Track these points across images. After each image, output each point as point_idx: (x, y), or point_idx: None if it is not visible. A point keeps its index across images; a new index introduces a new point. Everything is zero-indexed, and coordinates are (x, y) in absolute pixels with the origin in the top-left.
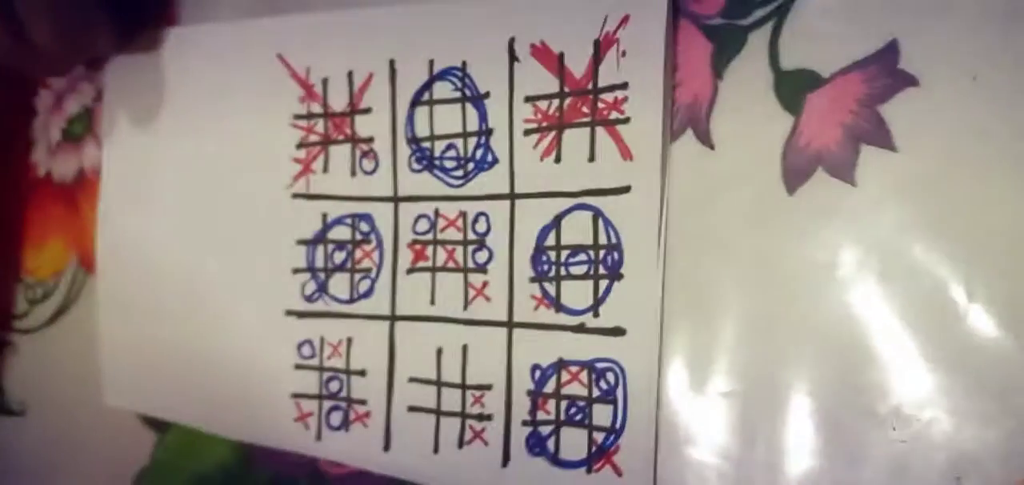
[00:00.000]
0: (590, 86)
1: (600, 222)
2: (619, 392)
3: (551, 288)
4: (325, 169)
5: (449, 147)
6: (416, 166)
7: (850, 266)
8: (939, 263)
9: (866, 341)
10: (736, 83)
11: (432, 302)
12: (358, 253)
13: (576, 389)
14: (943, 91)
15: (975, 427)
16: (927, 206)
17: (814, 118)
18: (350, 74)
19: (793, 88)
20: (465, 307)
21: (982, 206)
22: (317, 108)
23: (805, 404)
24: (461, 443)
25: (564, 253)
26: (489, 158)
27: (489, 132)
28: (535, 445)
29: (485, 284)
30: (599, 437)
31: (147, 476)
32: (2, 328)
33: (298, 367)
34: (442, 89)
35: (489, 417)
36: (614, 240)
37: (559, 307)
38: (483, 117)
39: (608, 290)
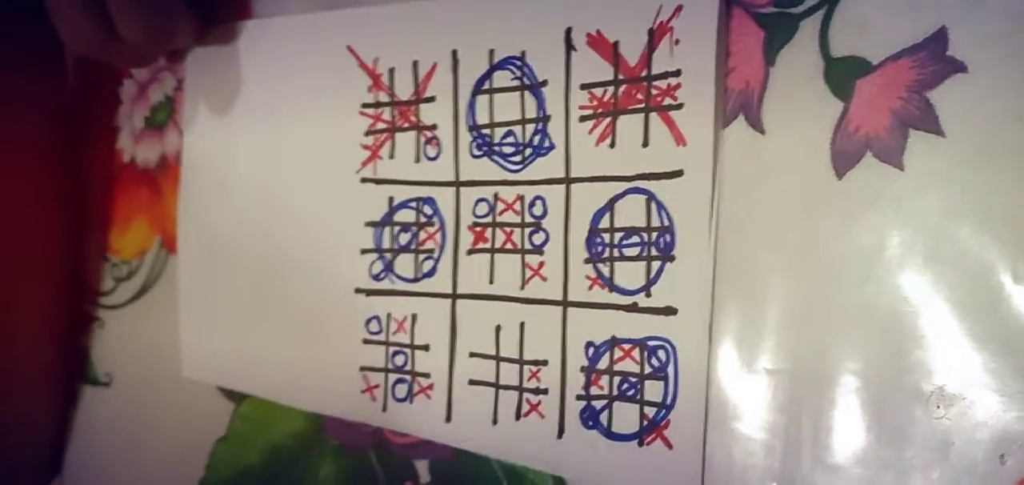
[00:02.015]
0: (644, 74)
1: (653, 205)
2: (670, 369)
3: (605, 269)
4: (391, 155)
5: (508, 134)
6: (476, 152)
7: (897, 248)
8: (985, 246)
9: (911, 322)
10: (787, 70)
11: (491, 281)
12: (422, 235)
13: (628, 366)
14: (991, 77)
15: (1020, 407)
16: (974, 190)
17: (863, 104)
18: (415, 64)
19: (843, 74)
20: (522, 286)
21: None
22: (384, 97)
23: (850, 383)
24: (518, 415)
25: (618, 235)
26: (546, 144)
27: (546, 119)
28: (589, 418)
29: (541, 265)
30: (650, 412)
31: (224, 444)
32: (89, 304)
33: (366, 342)
34: (502, 78)
35: (545, 391)
36: (666, 223)
37: (612, 287)
38: (541, 104)
39: (660, 271)
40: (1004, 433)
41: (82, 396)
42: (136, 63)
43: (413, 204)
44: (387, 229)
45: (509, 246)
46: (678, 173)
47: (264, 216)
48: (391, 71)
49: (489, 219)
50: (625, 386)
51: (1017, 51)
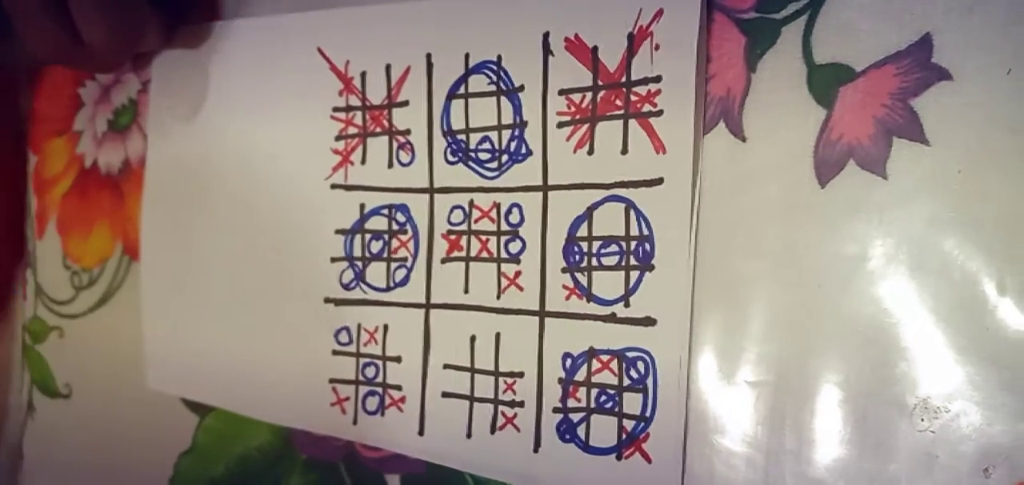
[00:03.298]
0: (623, 79)
1: (632, 213)
2: (649, 381)
3: (583, 278)
4: (363, 161)
5: (484, 139)
6: (451, 158)
7: (880, 258)
8: (970, 256)
9: (895, 333)
10: (769, 76)
11: (466, 291)
12: (394, 243)
13: (606, 377)
14: (976, 85)
15: (1004, 420)
16: (958, 200)
17: (846, 111)
18: (388, 67)
19: (826, 81)
20: (498, 296)
21: (1014, 200)
22: (356, 101)
23: (833, 394)
24: (493, 429)
25: (596, 244)
26: (523, 150)
27: (523, 124)
28: (566, 432)
29: (518, 274)
30: (629, 425)
31: (188, 458)
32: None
33: (335, 353)
34: (477, 82)
35: (521, 404)
36: (646, 231)
37: (590, 297)
38: (517, 110)
39: (639, 281)
40: (988, 446)
41: (41, 408)
42: (103, 68)
43: (385, 211)
44: (358, 237)
45: (485, 255)
46: (658, 181)
47: (230, 222)
48: (363, 74)
49: (464, 227)
50: (603, 398)
51: (1002, 59)
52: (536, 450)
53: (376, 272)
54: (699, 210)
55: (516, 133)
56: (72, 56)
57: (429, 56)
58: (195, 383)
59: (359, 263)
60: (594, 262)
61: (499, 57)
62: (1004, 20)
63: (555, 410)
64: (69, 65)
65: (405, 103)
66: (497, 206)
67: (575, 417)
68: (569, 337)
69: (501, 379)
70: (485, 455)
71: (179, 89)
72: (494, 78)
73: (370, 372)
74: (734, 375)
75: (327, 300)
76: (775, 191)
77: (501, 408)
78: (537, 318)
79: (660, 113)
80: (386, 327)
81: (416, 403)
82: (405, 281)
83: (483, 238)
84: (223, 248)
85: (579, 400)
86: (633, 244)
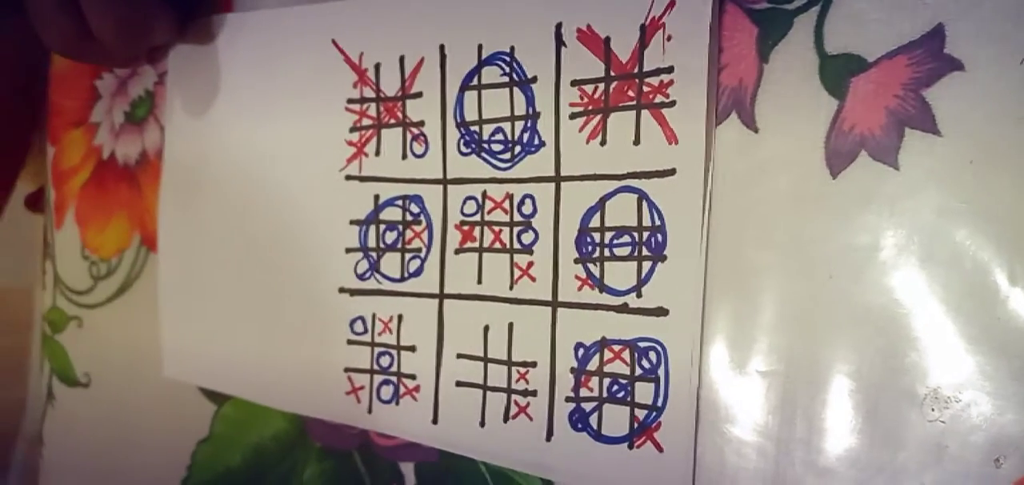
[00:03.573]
0: (636, 70)
1: (644, 204)
2: (661, 371)
3: (595, 269)
4: (377, 152)
5: (497, 130)
6: (465, 149)
7: (892, 249)
8: (981, 247)
9: (906, 323)
10: (781, 67)
11: (479, 281)
12: (408, 233)
13: (619, 367)
14: (988, 76)
15: (1015, 410)
16: (970, 190)
17: (858, 102)
18: (401, 59)
19: (838, 72)
20: (511, 287)
21: None
22: (370, 93)
23: (844, 384)
24: (506, 417)
25: (608, 235)
26: (536, 141)
27: (536, 116)
28: (578, 420)
29: (530, 264)
30: (641, 414)
31: (206, 446)
32: None
33: (351, 343)
34: (490, 74)
35: (533, 393)
36: (658, 222)
37: (603, 287)
38: (530, 101)
39: (651, 271)
40: (999, 436)
41: (61, 397)
42: (115, 62)
43: (399, 202)
44: (372, 227)
45: (498, 245)
46: (670, 172)
47: (247, 213)
48: (377, 66)
49: (477, 218)
50: (615, 388)
51: (1015, 50)
52: (548, 439)
53: (390, 262)
54: (711, 201)
55: (529, 124)
56: (82, 50)
57: (442, 48)
58: (211, 372)
59: (374, 253)
60: (606, 253)
61: (512, 48)
62: (1017, 10)
63: (567, 399)
64: (80, 59)
65: (419, 94)
66: (510, 197)
67: (587, 406)
68: (581, 327)
69: (514, 368)
70: (498, 443)
71: (195, 81)
72: (507, 69)
73: (385, 361)
74: (745, 365)
75: (342, 290)
76: (787, 182)
77: (514, 397)
78: (550, 308)
79: (672, 104)
80: (400, 317)
81: (430, 392)
82: (419, 271)
83: (496, 229)
84: (239, 238)
85: (591, 389)
86: (645, 235)
